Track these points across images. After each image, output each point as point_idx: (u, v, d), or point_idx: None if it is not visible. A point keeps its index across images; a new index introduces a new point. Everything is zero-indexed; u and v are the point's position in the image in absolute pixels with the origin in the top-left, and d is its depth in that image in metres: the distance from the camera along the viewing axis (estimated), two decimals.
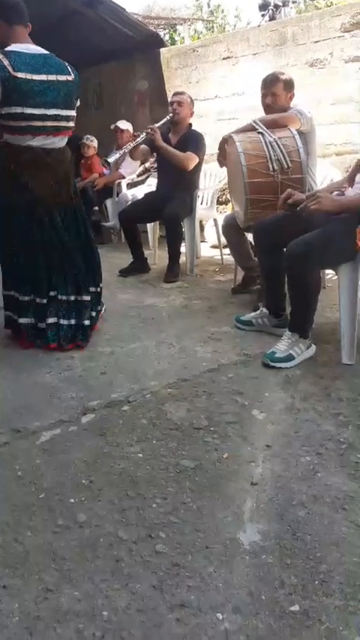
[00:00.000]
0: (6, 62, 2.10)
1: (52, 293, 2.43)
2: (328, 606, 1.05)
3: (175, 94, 3.83)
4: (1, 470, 1.53)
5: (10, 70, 2.10)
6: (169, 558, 1.18)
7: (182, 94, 3.80)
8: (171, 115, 3.69)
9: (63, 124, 2.32)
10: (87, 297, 2.50)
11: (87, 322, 2.48)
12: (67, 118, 2.34)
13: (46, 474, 1.50)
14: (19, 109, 2.16)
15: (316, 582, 1.10)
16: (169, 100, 3.83)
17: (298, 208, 2.12)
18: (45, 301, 2.42)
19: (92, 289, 2.56)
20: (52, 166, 2.34)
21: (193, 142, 3.66)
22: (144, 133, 3.61)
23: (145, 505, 1.36)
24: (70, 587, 1.11)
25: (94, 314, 2.57)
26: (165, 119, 3.70)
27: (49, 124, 2.26)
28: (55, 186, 2.37)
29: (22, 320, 2.43)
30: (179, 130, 3.75)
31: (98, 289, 2.61)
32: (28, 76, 2.15)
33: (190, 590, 1.10)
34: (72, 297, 2.47)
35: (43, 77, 2.19)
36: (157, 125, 3.65)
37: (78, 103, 2.44)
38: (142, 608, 1.06)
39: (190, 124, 3.80)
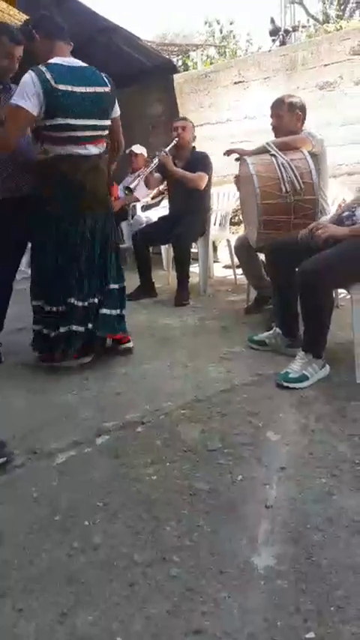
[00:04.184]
0: (48, 75, 2.18)
1: (75, 299, 2.43)
2: (344, 633, 1.03)
3: (178, 119, 4.02)
4: (18, 491, 1.55)
5: (52, 82, 2.17)
6: (183, 582, 1.18)
7: (184, 119, 3.98)
8: (177, 139, 3.79)
9: (99, 132, 2.39)
10: (116, 286, 2.55)
11: (123, 312, 2.56)
12: (103, 128, 2.41)
13: (62, 496, 1.51)
14: (62, 120, 2.23)
15: (332, 608, 1.09)
16: (173, 125, 3.95)
17: (299, 237, 2.21)
18: (81, 304, 2.43)
19: (119, 285, 2.59)
20: (93, 172, 2.38)
21: (200, 162, 3.76)
22: (156, 159, 3.71)
23: (159, 528, 1.36)
24: (85, 611, 1.11)
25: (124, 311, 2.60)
26: (172, 144, 3.80)
27: (88, 133, 2.32)
28: (101, 188, 2.42)
29: (57, 331, 2.42)
30: (183, 154, 3.86)
31: (123, 285, 2.64)
32: (69, 88, 2.22)
33: (205, 615, 1.09)
34: (93, 300, 2.48)
35: (82, 89, 2.27)
36: (167, 149, 3.75)
37: (118, 112, 2.50)
38: (157, 634, 1.05)
39: (194, 147, 3.91)
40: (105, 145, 2.48)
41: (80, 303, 2.43)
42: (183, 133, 3.81)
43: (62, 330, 2.41)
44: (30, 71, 2.18)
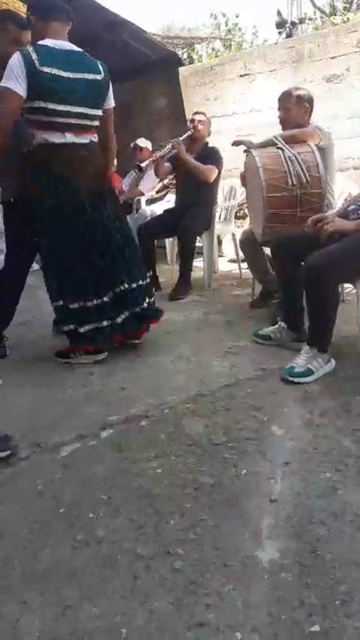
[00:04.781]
0: (34, 56, 2.10)
1: (114, 290, 2.45)
2: (348, 628, 1.03)
3: (196, 112, 4.00)
4: (22, 484, 1.55)
5: (37, 63, 2.09)
6: (187, 576, 1.18)
7: (202, 113, 3.98)
8: (192, 130, 3.81)
9: (86, 122, 2.29)
10: (141, 283, 2.57)
11: (137, 310, 2.52)
12: (93, 117, 2.32)
13: (66, 489, 1.51)
14: (42, 104, 2.15)
15: (337, 602, 1.08)
16: (190, 117, 3.97)
17: (305, 229, 2.19)
18: (106, 299, 2.42)
19: (141, 282, 2.58)
20: (89, 160, 2.32)
21: (212, 156, 3.77)
22: (169, 144, 3.69)
23: (162, 521, 1.35)
24: (88, 604, 1.12)
25: (145, 305, 2.58)
26: (186, 134, 3.82)
27: (73, 121, 2.24)
28: (98, 176, 2.38)
29: (113, 321, 2.42)
30: (196, 147, 3.86)
31: (147, 281, 2.64)
32: (54, 71, 2.14)
33: (209, 608, 1.09)
34: (123, 287, 2.47)
35: (70, 74, 2.18)
36: (181, 138, 3.75)
37: (112, 104, 2.41)
38: (161, 627, 1.05)
39: (207, 143, 3.91)
40: (95, 135, 2.39)
41: (121, 288, 2.45)
42: (199, 125, 3.83)
43: (119, 319, 2.43)
44: (17, 52, 2.12)
